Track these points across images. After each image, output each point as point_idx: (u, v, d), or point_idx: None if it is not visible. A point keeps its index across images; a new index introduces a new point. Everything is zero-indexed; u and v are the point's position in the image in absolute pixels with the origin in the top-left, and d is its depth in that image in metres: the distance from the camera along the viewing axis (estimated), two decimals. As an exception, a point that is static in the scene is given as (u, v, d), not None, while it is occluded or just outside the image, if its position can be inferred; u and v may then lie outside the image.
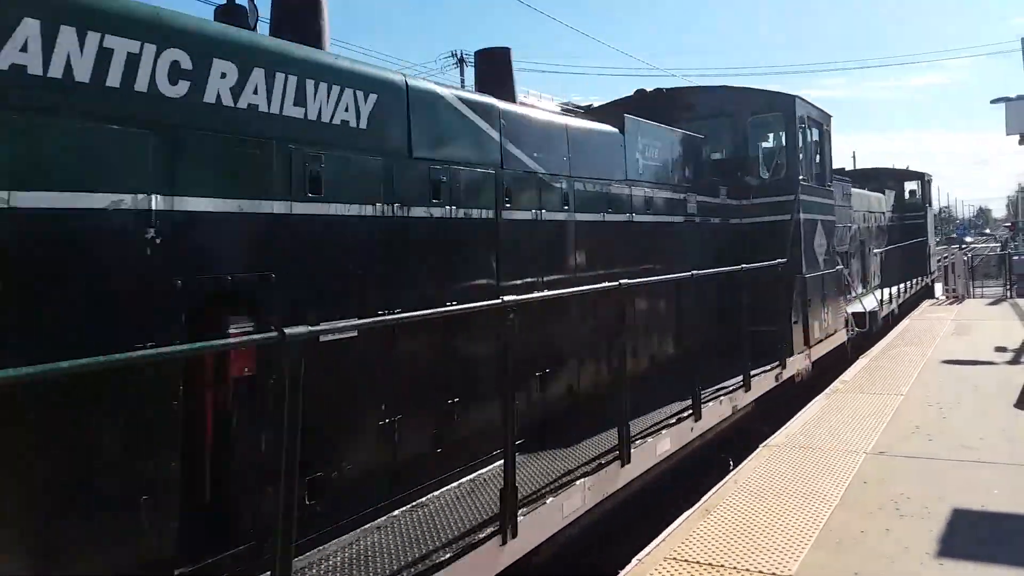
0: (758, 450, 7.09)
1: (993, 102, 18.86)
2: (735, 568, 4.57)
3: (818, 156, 11.68)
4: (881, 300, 15.40)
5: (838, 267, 12.17)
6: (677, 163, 8.65)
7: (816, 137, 11.52)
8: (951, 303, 20.00)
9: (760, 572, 4.50)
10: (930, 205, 24.93)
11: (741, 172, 10.46)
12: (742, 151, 10.64)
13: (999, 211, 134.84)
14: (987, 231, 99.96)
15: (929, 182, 24.25)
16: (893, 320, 16.36)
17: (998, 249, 35.32)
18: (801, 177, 10.37)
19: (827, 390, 9.67)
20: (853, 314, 13.08)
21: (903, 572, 4.49)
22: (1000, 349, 11.99)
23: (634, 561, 4.73)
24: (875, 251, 17.10)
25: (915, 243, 21.38)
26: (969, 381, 9.76)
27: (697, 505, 5.68)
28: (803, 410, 8.64)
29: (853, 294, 14.31)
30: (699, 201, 9.07)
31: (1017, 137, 18.47)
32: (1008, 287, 21.64)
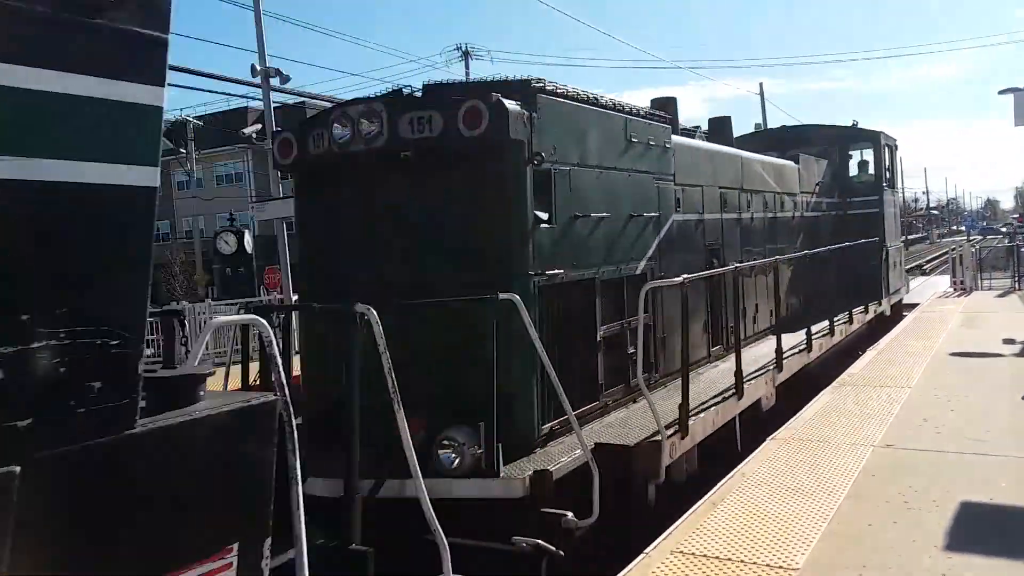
0: (765, 443, 7.08)
1: (1001, 93, 18.71)
2: (742, 561, 4.57)
3: None
4: (685, 407, 6.09)
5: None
6: None
7: None
8: (959, 295, 19.95)
9: (767, 565, 4.50)
10: (890, 185, 15.25)
11: None
12: None
13: (1007, 203, 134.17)
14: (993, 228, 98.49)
15: (891, 148, 15.31)
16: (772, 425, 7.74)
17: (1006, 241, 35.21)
18: None
19: (834, 383, 9.64)
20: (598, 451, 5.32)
21: (910, 565, 4.48)
22: (1008, 341, 11.93)
23: (641, 555, 4.74)
24: (732, 265, 8.73)
25: (855, 247, 12.99)
26: (977, 373, 9.72)
27: (704, 498, 5.68)
28: (810, 403, 8.63)
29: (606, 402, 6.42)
30: None
31: (1025, 128, 18.31)
32: (1016, 279, 21.55)
